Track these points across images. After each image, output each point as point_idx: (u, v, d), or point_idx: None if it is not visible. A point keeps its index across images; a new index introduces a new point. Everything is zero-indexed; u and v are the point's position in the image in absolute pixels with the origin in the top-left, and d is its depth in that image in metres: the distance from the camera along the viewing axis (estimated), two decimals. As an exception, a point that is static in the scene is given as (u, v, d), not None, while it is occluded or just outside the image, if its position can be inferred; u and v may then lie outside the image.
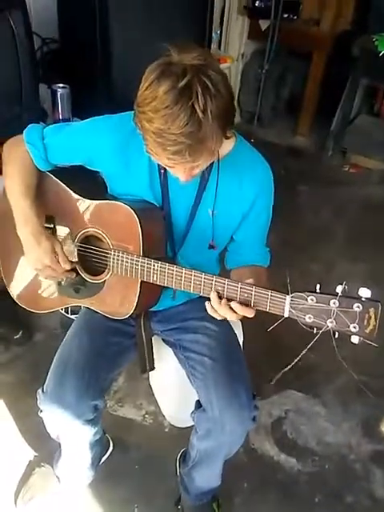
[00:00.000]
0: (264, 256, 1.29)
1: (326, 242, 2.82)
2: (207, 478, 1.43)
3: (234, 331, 1.35)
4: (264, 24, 3.60)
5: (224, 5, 3.56)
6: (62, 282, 1.29)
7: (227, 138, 1.04)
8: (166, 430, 1.79)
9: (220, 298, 1.03)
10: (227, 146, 1.16)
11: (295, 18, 3.66)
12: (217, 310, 1.04)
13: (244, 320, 1.06)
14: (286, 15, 3.55)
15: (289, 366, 0.99)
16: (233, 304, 1.01)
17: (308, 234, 2.85)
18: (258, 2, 3.56)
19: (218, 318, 1.06)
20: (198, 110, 0.90)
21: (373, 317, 0.90)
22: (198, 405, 1.29)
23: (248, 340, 1.55)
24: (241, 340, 1.50)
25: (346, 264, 2.60)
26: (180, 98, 0.90)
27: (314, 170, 3.59)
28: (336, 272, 2.52)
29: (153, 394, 1.80)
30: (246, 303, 1.01)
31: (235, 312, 1.02)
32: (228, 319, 1.06)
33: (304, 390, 1.96)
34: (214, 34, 3.16)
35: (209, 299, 1.06)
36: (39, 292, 1.35)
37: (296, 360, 1.00)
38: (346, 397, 1.94)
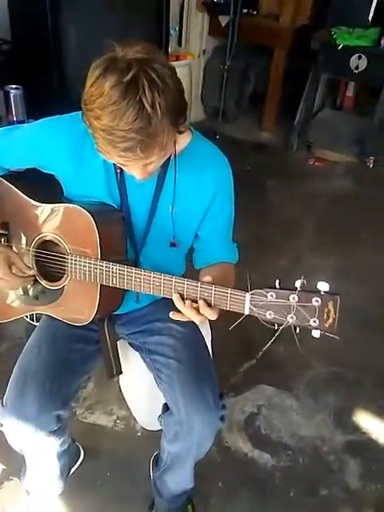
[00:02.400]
0: (231, 252, 1.27)
1: (294, 235, 2.84)
2: (179, 480, 1.41)
3: (199, 331, 1.34)
4: (224, 20, 3.61)
5: (183, 1, 3.54)
6: (24, 290, 1.25)
7: (180, 132, 1.02)
8: (139, 434, 1.77)
9: (183, 298, 1.01)
10: (183, 141, 1.14)
11: (255, 13, 3.69)
12: (181, 310, 1.01)
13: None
14: (245, 11, 3.57)
15: (250, 363, 0.98)
16: (199, 303, 0.98)
17: (276, 229, 2.87)
18: (216, -3, 3.57)
19: (184, 320, 1.04)
20: (146, 105, 0.88)
21: (332, 310, 0.89)
22: (166, 408, 1.27)
23: (216, 338, 1.54)
24: (208, 339, 1.48)
25: (314, 257, 2.62)
26: (127, 93, 0.87)
27: (279, 165, 3.62)
28: (305, 266, 2.54)
29: (124, 399, 1.77)
30: (207, 303, 0.99)
31: (199, 313, 0.99)
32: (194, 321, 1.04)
33: (276, 385, 1.96)
34: (171, 31, 3.13)
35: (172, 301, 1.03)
36: (11, 300, 1.30)
37: (257, 356, 0.99)
38: (317, 389, 1.96)
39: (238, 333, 1.93)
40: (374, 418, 1.87)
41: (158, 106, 0.89)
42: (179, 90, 0.95)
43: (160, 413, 1.31)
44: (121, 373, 1.35)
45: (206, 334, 1.48)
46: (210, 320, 1.02)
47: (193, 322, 1.29)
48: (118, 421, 1.80)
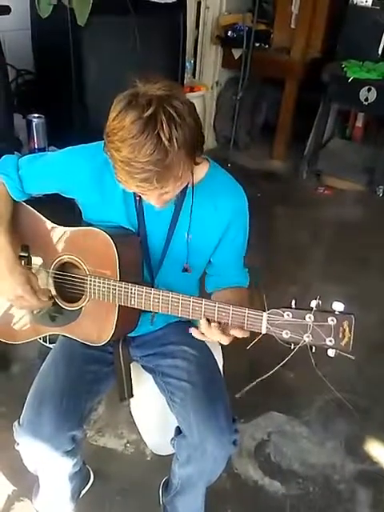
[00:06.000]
0: (243, 277, 1.31)
1: (304, 262, 2.86)
2: (190, 506, 1.41)
3: (212, 355, 1.35)
4: (237, 53, 3.72)
5: (197, 35, 3.67)
6: (39, 312, 1.28)
7: (197, 163, 1.07)
8: (148, 458, 1.76)
9: (210, 322, 1.03)
10: (200, 171, 1.18)
11: (267, 46, 3.80)
12: (206, 334, 1.04)
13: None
14: (257, 44, 3.68)
15: (258, 380, 0.99)
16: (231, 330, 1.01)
17: (285, 255, 2.89)
18: (230, 31, 3.69)
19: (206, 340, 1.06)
20: (163, 139, 0.93)
21: (347, 329, 0.92)
22: (178, 431, 1.27)
23: (228, 362, 1.55)
24: (221, 363, 1.49)
25: (323, 284, 2.63)
26: (146, 128, 0.93)
27: (289, 193, 3.67)
28: (314, 292, 2.52)
29: (134, 422, 1.77)
30: (220, 322, 1.01)
31: (226, 334, 1.02)
32: (217, 342, 1.06)
33: (286, 412, 1.95)
34: (187, 64, 3.24)
35: (188, 322, 1.05)
36: (14, 322, 1.33)
37: (267, 374, 1.01)
38: (328, 416, 1.94)
39: (250, 357, 1.94)
40: (386, 447, 1.86)
41: (175, 140, 0.94)
42: (197, 124, 1.00)
43: (171, 436, 1.31)
44: (132, 396, 1.36)
45: (218, 358, 1.49)
46: (221, 345, 1.05)
47: (206, 345, 1.33)
48: (127, 444, 1.80)
